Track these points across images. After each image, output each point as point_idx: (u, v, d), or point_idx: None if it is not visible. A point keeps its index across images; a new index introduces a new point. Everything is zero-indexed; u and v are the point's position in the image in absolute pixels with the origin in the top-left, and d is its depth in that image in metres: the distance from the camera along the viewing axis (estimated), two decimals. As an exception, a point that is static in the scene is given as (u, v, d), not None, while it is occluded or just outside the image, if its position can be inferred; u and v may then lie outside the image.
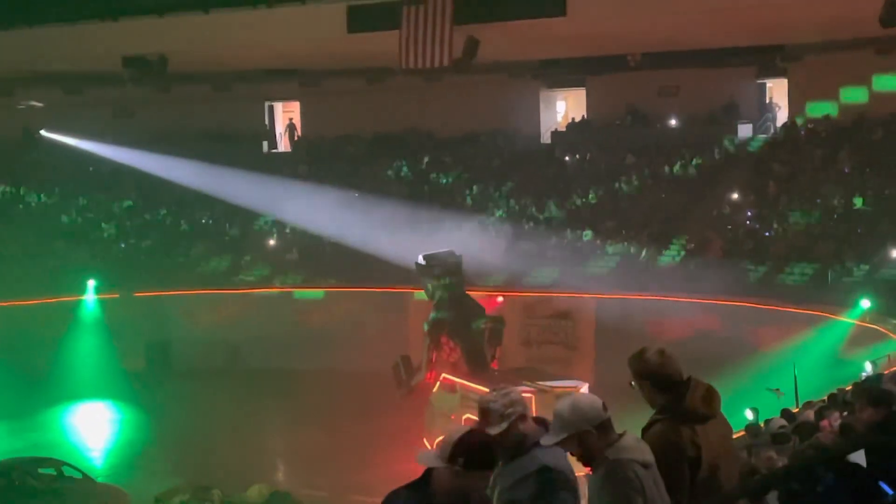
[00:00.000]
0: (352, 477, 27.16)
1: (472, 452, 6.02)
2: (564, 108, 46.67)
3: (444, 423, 27.08)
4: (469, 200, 41.03)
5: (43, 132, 47.19)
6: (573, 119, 44.77)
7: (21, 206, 44.91)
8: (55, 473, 24.13)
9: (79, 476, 24.28)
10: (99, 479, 25.20)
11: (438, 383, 28.21)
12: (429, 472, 6.15)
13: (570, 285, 34.87)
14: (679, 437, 6.82)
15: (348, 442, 29.14)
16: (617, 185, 39.52)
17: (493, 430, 6.52)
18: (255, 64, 41.58)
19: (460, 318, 29.29)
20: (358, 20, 34.59)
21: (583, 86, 43.84)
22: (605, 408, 6.34)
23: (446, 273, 29.51)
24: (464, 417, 26.24)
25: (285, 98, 49.01)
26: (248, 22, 36.52)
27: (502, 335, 29.77)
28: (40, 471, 24.01)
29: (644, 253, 35.88)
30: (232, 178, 41.74)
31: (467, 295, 30.31)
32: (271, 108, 49.81)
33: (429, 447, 27.57)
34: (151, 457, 29.27)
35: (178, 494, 21.55)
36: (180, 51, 37.52)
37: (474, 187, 41.87)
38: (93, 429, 34.04)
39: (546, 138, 44.40)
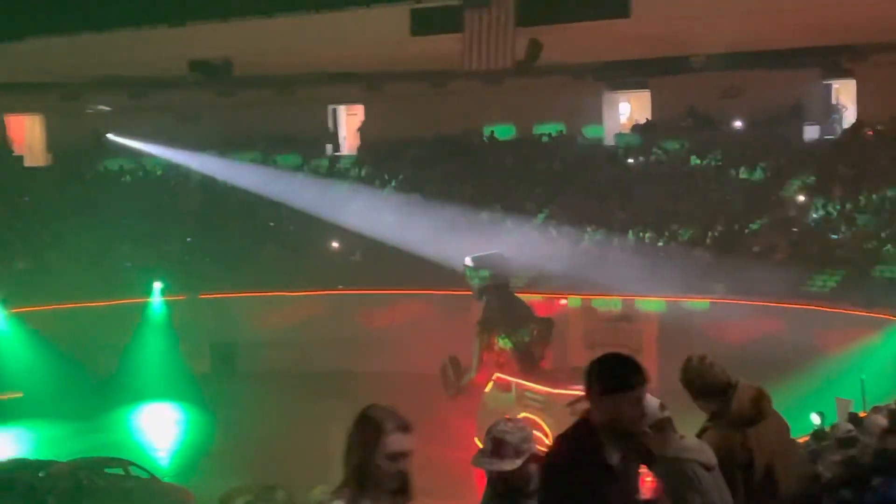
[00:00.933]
0: (415, 478, 27.20)
1: (603, 375, 5.74)
2: (628, 110, 46.47)
3: None
4: (531, 203, 40.97)
5: (110, 136, 47.77)
6: (637, 121, 44.57)
7: (89, 209, 45.42)
8: (122, 473, 24.39)
9: (145, 476, 24.52)
10: (165, 479, 25.43)
11: (492, 383, 28.29)
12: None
13: (632, 288, 34.71)
14: (728, 442, 6.76)
15: (416, 443, 29.16)
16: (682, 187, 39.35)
17: (507, 466, 6.31)
18: (319, 67, 41.82)
19: (509, 318, 29.41)
20: (421, 23, 34.73)
21: (646, 87, 43.61)
22: (662, 407, 6.25)
23: (494, 274, 29.64)
24: (520, 416, 26.39)
25: (349, 101, 49.23)
26: (312, 26, 36.78)
27: (551, 335, 29.81)
28: (107, 471, 24.28)
29: (708, 255, 35.65)
30: (295, 181, 42.04)
31: (515, 296, 30.37)
32: (335, 112, 50.07)
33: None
34: (216, 457, 29.49)
35: (242, 495, 21.67)
36: (245, 55, 37.84)
37: (536, 189, 41.84)
38: (159, 429, 34.38)
39: (609, 140, 44.25)
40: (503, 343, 29.02)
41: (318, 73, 42.74)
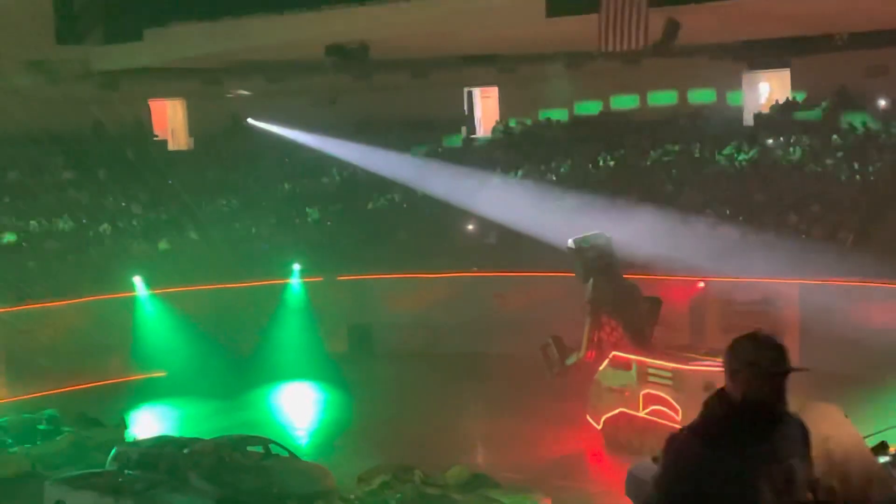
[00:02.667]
0: (549, 460, 27.22)
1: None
2: (768, 89, 45.64)
3: (615, 400, 27.61)
4: (669, 185, 40.54)
5: (249, 120, 48.54)
6: (777, 101, 43.76)
7: (229, 191, 46.25)
8: (262, 451, 24.81)
9: (285, 454, 24.89)
10: (304, 458, 25.79)
11: (607, 361, 28.34)
12: None
13: (770, 270, 34.11)
14: None
15: (544, 424, 29.20)
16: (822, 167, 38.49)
17: None
18: (455, 50, 41.86)
19: (618, 297, 29.39)
20: (557, 4, 34.41)
21: (787, 67, 42.75)
22: None
23: (598, 255, 29.58)
24: (642, 393, 26.35)
25: (484, 83, 49.23)
26: (448, 8, 36.73)
27: (658, 314, 29.61)
28: (248, 448, 24.72)
29: (850, 238, 34.87)
30: (429, 166, 42.26)
31: (622, 276, 30.26)
32: (470, 94, 50.09)
33: (594, 424, 27.82)
34: (354, 437, 29.84)
35: (379, 474, 21.88)
36: (381, 38, 38.03)
37: (674, 171, 41.38)
38: (298, 408, 34.91)
39: (749, 121, 43.54)
40: (615, 323, 29.06)
41: (453, 56, 42.77)
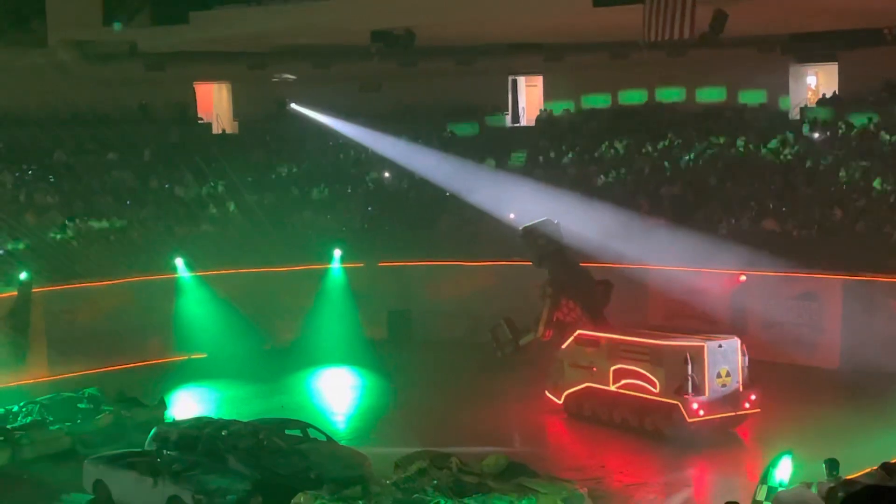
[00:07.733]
0: (587, 449, 27.17)
1: None
2: (815, 83, 45.27)
3: (580, 376, 28.71)
4: (713, 178, 40.28)
5: (292, 105, 48.62)
6: (824, 94, 43.38)
7: (273, 176, 46.40)
8: (300, 435, 24.88)
9: (322, 438, 24.97)
10: (342, 443, 25.85)
11: (571, 339, 29.15)
12: None
13: (816, 265, 33.86)
14: None
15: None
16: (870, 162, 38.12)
17: None
18: (500, 38, 41.78)
19: (574, 279, 30.37)
20: (603, -7, 34.37)
21: (835, 60, 42.37)
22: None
23: (550, 241, 30.47)
24: (613, 368, 27.42)
25: (529, 72, 49.11)
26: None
27: (610, 296, 30.43)
28: (286, 432, 24.80)
29: (895, 234, 34.54)
30: (469, 169, 42.40)
31: (574, 260, 31.09)
32: (514, 83, 49.99)
33: (555, 399, 28.69)
34: (392, 423, 29.87)
35: (416, 461, 21.87)
36: (427, 25, 38.03)
37: (719, 164, 41.11)
38: (336, 393, 34.99)
39: (795, 114, 43.20)
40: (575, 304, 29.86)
41: (498, 44, 42.69)
